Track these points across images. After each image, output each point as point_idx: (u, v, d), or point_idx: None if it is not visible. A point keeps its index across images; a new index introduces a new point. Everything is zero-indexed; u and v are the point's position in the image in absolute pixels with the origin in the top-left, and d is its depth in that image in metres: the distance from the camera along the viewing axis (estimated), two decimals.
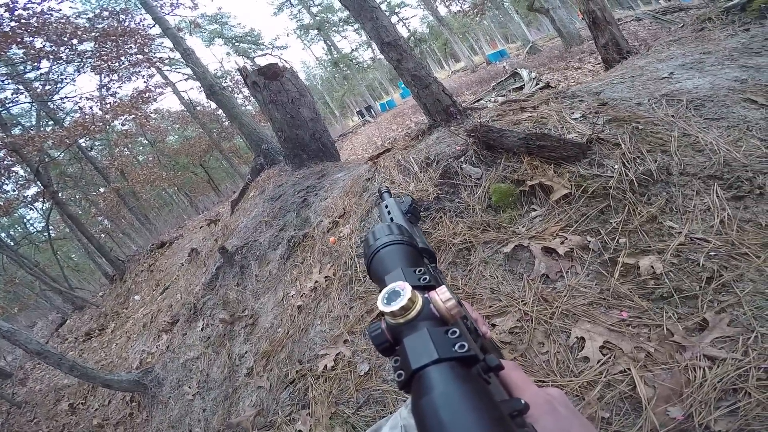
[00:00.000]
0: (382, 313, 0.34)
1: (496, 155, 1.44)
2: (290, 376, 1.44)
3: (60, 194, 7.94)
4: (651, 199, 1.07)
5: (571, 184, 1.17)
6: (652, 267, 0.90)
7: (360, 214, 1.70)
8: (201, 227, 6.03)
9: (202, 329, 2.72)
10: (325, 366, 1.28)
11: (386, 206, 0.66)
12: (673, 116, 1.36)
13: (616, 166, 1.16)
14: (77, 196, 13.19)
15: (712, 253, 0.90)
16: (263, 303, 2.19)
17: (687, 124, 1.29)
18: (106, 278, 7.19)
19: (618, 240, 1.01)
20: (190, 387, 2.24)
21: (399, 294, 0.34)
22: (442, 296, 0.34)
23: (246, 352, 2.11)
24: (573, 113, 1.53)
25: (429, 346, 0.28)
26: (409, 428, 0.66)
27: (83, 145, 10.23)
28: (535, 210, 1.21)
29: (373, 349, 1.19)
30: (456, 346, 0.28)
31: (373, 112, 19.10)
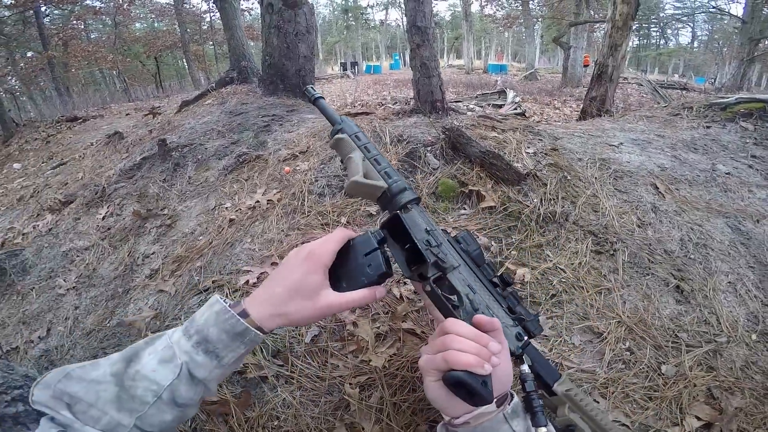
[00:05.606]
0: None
1: (456, 157, 1.76)
2: (204, 284, 1.52)
3: None
4: (545, 233, 1.49)
5: (499, 201, 1.54)
6: (523, 276, 1.31)
7: (322, 157, 1.89)
8: (128, 114, 5.59)
9: (103, 218, 2.59)
10: (247, 281, 1.42)
11: (356, 134, 0.80)
12: (595, 178, 1.81)
13: (536, 200, 1.55)
14: None
15: (563, 280, 1.33)
16: (189, 207, 2.20)
17: (600, 189, 1.74)
18: None
19: (510, 251, 1.40)
20: (65, 280, 2.09)
21: None
22: None
23: (153, 253, 2.05)
24: (528, 148, 1.91)
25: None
26: (191, 365, 0.56)
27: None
28: (465, 210, 1.56)
29: None
30: None
31: (356, 70, 19.42)
